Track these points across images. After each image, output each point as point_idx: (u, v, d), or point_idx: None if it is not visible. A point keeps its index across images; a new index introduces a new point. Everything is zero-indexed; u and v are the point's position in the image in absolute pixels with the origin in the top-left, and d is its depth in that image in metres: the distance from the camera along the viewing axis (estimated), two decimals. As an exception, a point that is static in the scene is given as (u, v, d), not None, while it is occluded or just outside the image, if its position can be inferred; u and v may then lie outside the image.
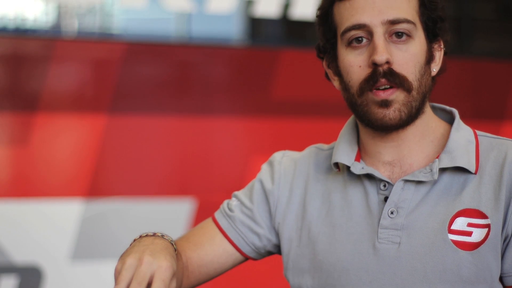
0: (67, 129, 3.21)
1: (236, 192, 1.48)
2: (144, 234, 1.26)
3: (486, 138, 1.33)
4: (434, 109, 1.38)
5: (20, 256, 3.08)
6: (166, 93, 3.34)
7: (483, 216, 1.25)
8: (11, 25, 3.32)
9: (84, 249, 3.16)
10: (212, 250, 1.42)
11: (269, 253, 1.47)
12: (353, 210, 1.33)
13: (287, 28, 3.76)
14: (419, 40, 1.29)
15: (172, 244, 1.25)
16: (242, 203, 1.45)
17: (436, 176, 1.27)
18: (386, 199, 1.30)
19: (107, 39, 3.44)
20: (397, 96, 1.26)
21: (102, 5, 3.43)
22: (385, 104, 1.27)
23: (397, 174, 1.32)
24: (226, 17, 3.49)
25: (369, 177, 1.33)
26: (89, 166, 3.18)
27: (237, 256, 1.44)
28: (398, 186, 1.30)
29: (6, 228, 3.09)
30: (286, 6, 3.48)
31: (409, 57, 1.27)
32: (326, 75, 1.39)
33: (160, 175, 3.32)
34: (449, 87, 3.35)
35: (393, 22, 1.26)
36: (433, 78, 1.34)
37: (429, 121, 1.34)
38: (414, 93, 1.27)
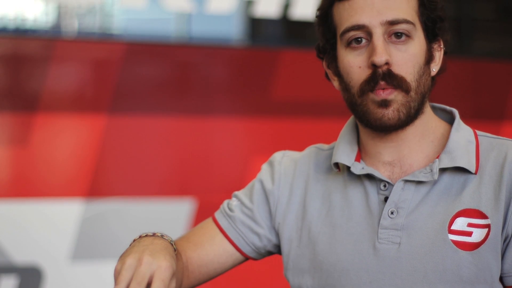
0: (67, 129, 3.21)
1: (236, 192, 1.48)
2: (144, 234, 1.26)
3: (486, 138, 1.33)
4: (434, 109, 1.38)
5: (20, 256, 3.08)
6: (166, 93, 3.33)
7: (483, 216, 1.25)
8: (11, 25, 3.32)
9: (84, 249, 3.16)
10: (212, 250, 1.42)
11: (269, 253, 1.47)
12: (353, 210, 1.33)
13: (287, 28, 3.76)
14: (418, 41, 1.28)
15: (172, 244, 1.25)
16: (242, 203, 1.45)
17: (436, 176, 1.27)
18: (386, 199, 1.30)
19: (107, 39, 3.44)
20: (395, 96, 1.26)
21: (102, 5, 3.43)
22: (384, 104, 1.27)
23: (397, 174, 1.32)
24: (226, 17, 3.49)
25: (369, 177, 1.33)
26: (89, 166, 3.18)
27: (237, 256, 1.44)
28: (398, 186, 1.30)
29: (6, 228, 3.09)
30: (286, 6, 3.48)
31: (408, 58, 1.27)
32: (326, 75, 1.39)
33: (160, 175, 3.32)
34: (449, 87, 3.35)
35: (392, 23, 1.26)
36: (433, 78, 1.34)
37: (429, 121, 1.33)
38: (412, 93, 1.27)
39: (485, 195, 1.26)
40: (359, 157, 1.36)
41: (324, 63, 1.38)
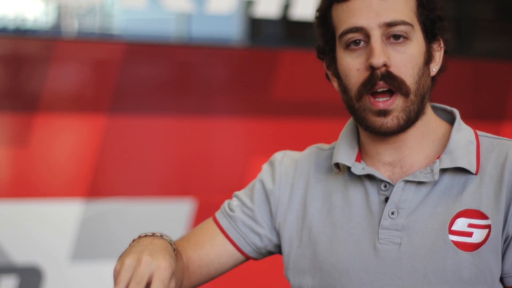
0: (67, 129, 3.21)
1: (237, 192, 1.48)
2: (143, 234, 1.26)
3: (486, 138, 1.33)
4: (435, 109, 1.38)
5: (20, 256, 3.08)
6: (166, 94, 3.33)
7: (483, 216, 1.25)
8: (11, 26, 3.32)
9: (84, 249, 3.15)
10: (213, 250, 1.42)
11: (270, 253, 1.47)
12: (353, 210, 1.33)
13: (287, 29, 3.76)
14: (417, 41, 1.28)
15: (171, 244, 1.25)
16: (243, 203, 1.45)
17: (436, 177, 1.27)
18: (386, 199, 1.30)
19: (107, 39, 3.44)
20: (396, 104, 1.26)
21: (102, 6, 3.43)
22: (383, 113, 1.27)
23: (397, 175, 1.32)
24: (226, 17, 3.49)
25: (370, 177, 1.33)
26: (89, 166, 3.18)
27: (238, 256, 1.44)
28: (398, 186, 1.30)
29: (6, 228, 3.09)
30: (286, 7, 3.48)
31: (407, 59, 1.27)
32: (327, 75, 1.39)
33: (160, 175, 3.32)
34: (449, 87, 3.35)
35: (390, 25, 1.26)
36: (434, 77, 1.34)
37: (429, 121, 1.33)
38: (412, 96, 1.27)
39: (485, 196, 1.26)
40: (359, 158, 1.36)
41: (324, 63, 1.38)
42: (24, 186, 3.15)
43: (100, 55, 3.31)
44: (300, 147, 1.52)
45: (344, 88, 1.31)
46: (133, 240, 1.25)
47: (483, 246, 1.24)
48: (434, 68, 1.32)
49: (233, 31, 3.59)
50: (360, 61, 1.27)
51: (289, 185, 1.42)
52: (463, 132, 1.32)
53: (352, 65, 1.28)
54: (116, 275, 1.16)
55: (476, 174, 1.28)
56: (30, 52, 3.21)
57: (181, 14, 3.46)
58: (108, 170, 3.27)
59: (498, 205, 1.25)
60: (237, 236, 1.43)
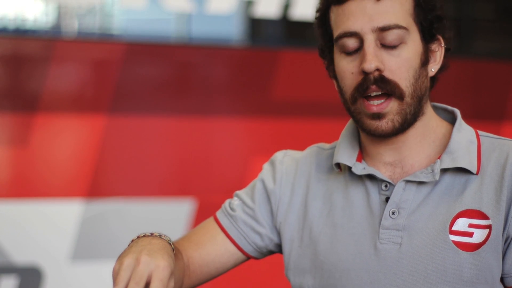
0: (67, 129, 3.21)
1: (237, 192, 1.48)
2: (142, 235, 1.26)
3: (488, 138, 1.33)
4: (436, 109, 1.38)
5: (20, 256, 3.08)
6: (166, 94, 3.33)
7: (484, 217, 1.25)
8: (11, 26, 3.32)
9: (84, 249, 3.15)
10: (214, 250, 1.42)
11: (271, 252, 1.47)
12: (354, 210, 1.33)
13: (287, 29, 3.76)
14: (413, 44, 1.27)
15: (170, 244, 1.24)
16: (244, 202, 1.45)
17: (437, 177, 1.27)
18: (387, 199, 1.30)
19: (107, 39, 3.44)
20: (390, 107, 1.26)
21: (102, 6, 3.43)
22: (378, 116, 1.27)
23: (398, 175, 1.32)
24: (226, 17, 3.49)
25: (371, 177, 1.33)
26: (89, 166, 3.18)
27: (239, 255, 1.44)
28: (399, 186, 1.30)
29: (6, 228, 3.09)
30: (286, 7, 3.48)
31: (401, 63, 1.26)
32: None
33: (160, 175, 3.32)
34: (449, 87, 3.35)
35: (384, 29, 1.25)
36: (435, 76, 1.34)
37: (429, 121, 1.33)
38: (407, 99, 1.27)
39: (486, 196, 1.26)
40: (360, 157, 1.36)
41: (324, 63, 1.38)
42: (24, 186, 3.15)
43: (100, 55, 3.31)
44: (300, 147, 1.52)
45: (341, 90, 1.32)
46: (132, 241, 1.25)
47: (483, 246, 1.24)
48: (433, 68, 1.32)
49: (233, 31, 3.59)
50: (354, 65, 1.27)
51: (290, 185, 1.42)
52: (464, 132, 1.32)
53: (347, 69, 1.29)
54: (115, 275, 1.16)
55: (477, 174, 1.28)
56: (30, 52, 3.21)
57: (181, 14, 3.46)
58: (108, 170, 3.27)
59: (499, 205, 1.25)
60: (238, 235, 1.43)
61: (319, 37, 1.36)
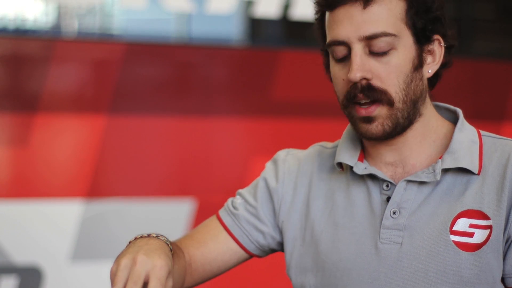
0: (67, 129, 3.21)
1: (240, 190, 1.48)
2: (139, 236, 1.26)
3: (489, 138, 1.33)
4: (438, 108, 1.37)
5: (20, 256, 3.08)
6: (166, 94, 3.33)
7: (485, 217, 1.25)
8: (11, 26, 3.31)
9: (84, 249, 3.15)
10: (216, 248, 1.43)
11: (273, 250, 1.47)
12: (356, 210, 1.34)
13: (287, 29, 3.76)
14: (403, 49, 1.26)
15: (168, 244, 1.24)
16: (246, 201, 1.45)
17: (438, 177, 1.27)
18: (388, 199, 1.30)
19: (107, 39, 3.44)
20: (379, 111, 1.26)
21: (102, 6, 3.43)
22: (368, 120, 1.27)
23: (399, 175, 1.32)
24: (226, 17, 3.49)
25: (372, 177, 1.33)
26: (89, 166, 3.18)
27: (241, 253, 1.44)
28: (400, 186, 1.30)
29: (6, 228, 3.09)
30: (286, 7, 3.48)
31: (390, 69, 1.25)
32: None
33: (160, 175, 3.32)
34: (449, 87, 3.34)
35: (371, 38, 1.24)
36: (438, 73, 1.33)
37: (429, 121, 1.33)
38: (398, 104, 1.26)
39: (487, 196, 1.26)
40: (362, 157, 1.36)
41: (324, 65, 1.39)
42: (24, 186, 3.15)
43: (100, 55, 3.31)
44: (300, 147, 1.52)
45: (336, 93, 1.32)
46: (129, 242, 1.25)
47: (484, 246, 1.24)
48: (430, 70, 1.31)
49: (233, 31, 3.59)
50: (345, 72, 1.28)
51: (292, 184, 1.43)
52: (466, 132, 1.32)
53: (339, 75, 1.29)
54: (113, 276, 1.16)
55: (478, 174, 1.28)
56: (30, 52, 3.21)
57: (181, 14, 3.46)
58: (108, 170, 3.26)
59: (500, 205, 1.25)
60: (240, 233, 1.43)
61: (318, 39, 1.36)
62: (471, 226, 1.25)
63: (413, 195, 1.29)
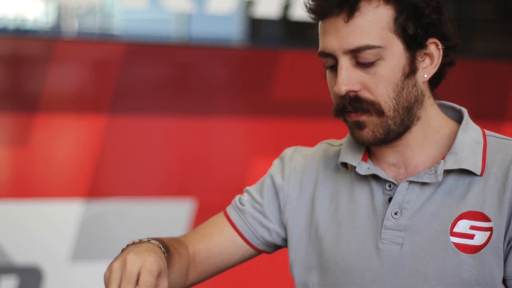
0: (67, 129, 3.21)
1: (248, 187, 1.49)
2: (131, 242, 1.27)
3: (494, 138, 1.32)
4: (444, 107, 1.37)
5: (20, 256, 3.08)
6: (166, 94, 3.33)
7: (486, 219, 1.25)
8: (11, 26, 3.32)
9: (84, 249, 3.15)
10: (221, 242, 1.43)
11: (278, 247, 1.47)
12: (358, 209, 1.34)
13: (287, 29, 3.76)
14: (391, 58, 1.24)
15: (160, 247, 1.25)
16: (253, 198, 1.46)
17: (440, 178, 1.27)
18: (390, 199, 1.30)
19: (107, 39, 3.44)
20: (369, 118, 1.26)
21: (102, 6, 3.43)
22: (359, 125, 1.27)
23: (402, 175, 1.32)
24: (226, 17, 3.49)
25: (376, 177, 1.33)
26: (89, 166, 3.18)
27: (246, 248, 1.44)
28: (402, 187, 1.30)
29: (6, 228, 3.09)
30: (286, 7, 3.48)
31: (378, 80, 1.24)
32: None
33: (160, 175, 3.32)
34: (449, 87, 3.34)
35: (355, 51, 1.24)
36: (439, 73, 1.31)
37: (429, 123, 1.32)
38: (389, 113, 1.26)
39: (489, 198, 1.25)
40: (366, 157, 1.36)
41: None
42: (24, 186, 3.15)
43: (100, 55, 3.31)
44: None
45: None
46: (122, 250, 1.25)
47: (484, 248, 1.24)
48: (426, 74, 1.28)
49: (233, 31, 3.59)
50: (335, 82, 1.28)
51: (299, 181, 1.43)
52: (470, 132, 1.31)
53: (331, 84, 1.30)
54: (107, 280, 1.17)
55: (481, 175, 1.27)
56: (30, 52, 3.21)
57: (181, 14, 3.46)
58: (108, 170, 3.26)
59: (501, 207, 1.24)
60: (245, 228, 1.44)
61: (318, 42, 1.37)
62: (472, 228, 1.25)
63: (415, 195, 1.29)
